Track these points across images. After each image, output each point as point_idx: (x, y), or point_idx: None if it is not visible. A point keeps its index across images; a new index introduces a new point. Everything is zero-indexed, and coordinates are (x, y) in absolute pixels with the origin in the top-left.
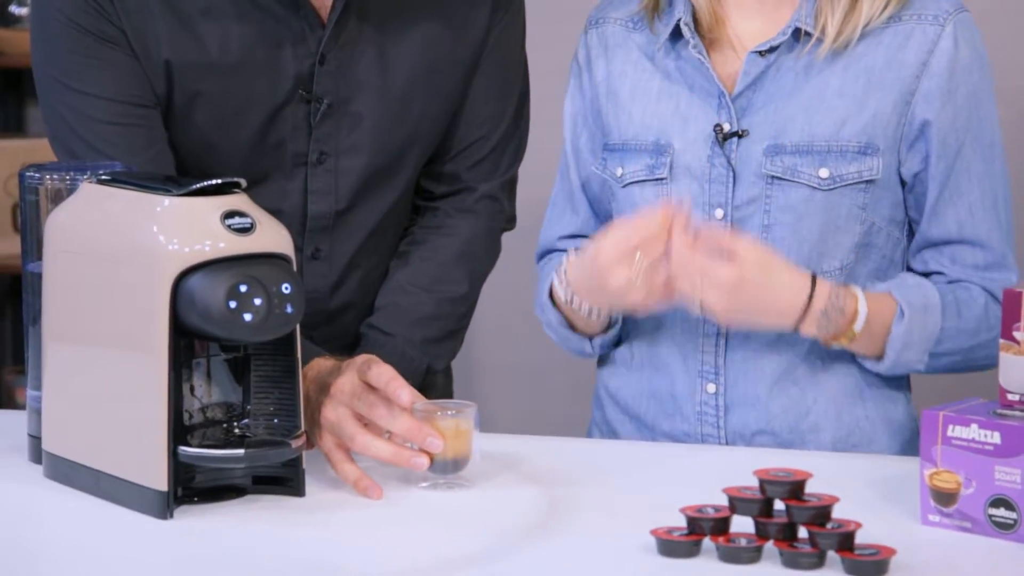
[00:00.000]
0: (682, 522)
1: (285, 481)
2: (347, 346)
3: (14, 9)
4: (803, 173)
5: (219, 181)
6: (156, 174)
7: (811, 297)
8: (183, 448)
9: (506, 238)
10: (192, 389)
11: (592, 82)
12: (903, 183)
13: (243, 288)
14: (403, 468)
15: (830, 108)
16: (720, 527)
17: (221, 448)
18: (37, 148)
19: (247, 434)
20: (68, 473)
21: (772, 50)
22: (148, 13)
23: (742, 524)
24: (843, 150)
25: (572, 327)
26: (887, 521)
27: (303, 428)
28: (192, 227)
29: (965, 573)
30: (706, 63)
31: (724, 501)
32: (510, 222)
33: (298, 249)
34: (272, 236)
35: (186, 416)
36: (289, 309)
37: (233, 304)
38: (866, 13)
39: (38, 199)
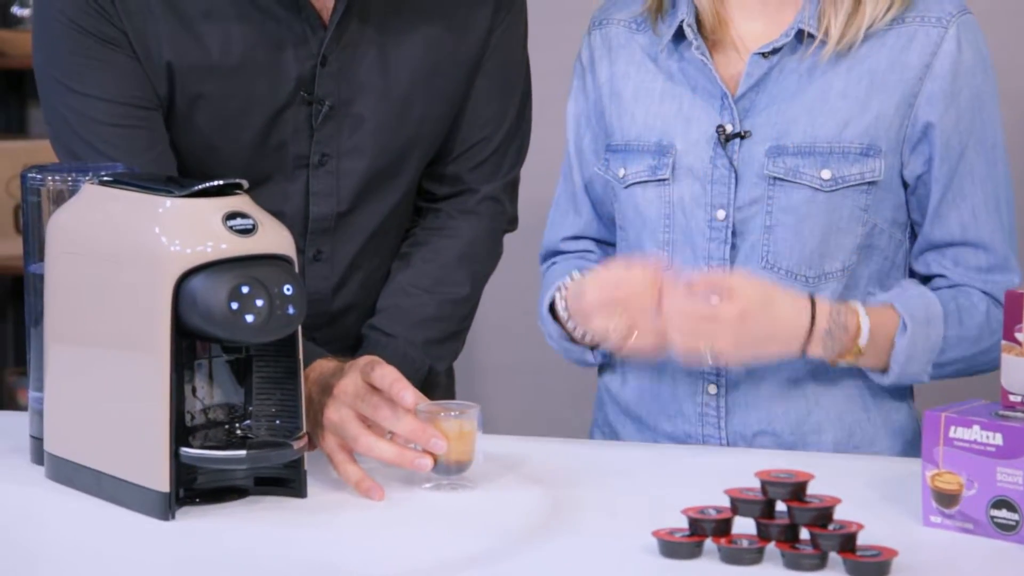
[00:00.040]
0: (684, 523)
1: (287, 482)
2: (349, 348)
3: (16, 10)
4: (805, 174)
5: (221, 182)
6: (158, 175)
7: (813, 318)
8: (185, 449)
9: (508, 239)
10: (194, 390)
11: (595, 83)
12: (906, 185)
13: (245, 289)
14: (406, 469)
15: (833, 109)
16: (722, 528)
17: (223, 449)
18: (39, 149)
19: (249, 435)
20: (70, 474)
21: (775, 51)
22: (149, 15)
23: (744, 525)
24: (845, 151)
25: (572, 340)
26: (889, 522)
27: (305, 429)
28: (194, 228)
29: (967, 574)
30: (709, 64)
31: (726, 502)
32: (512, 223)
33: (300, 251)
34: (274, 237)
35: (188, 417)
36: (291, 310)
37: (235, 305)
38: (869, 15)
39: (40, 200)
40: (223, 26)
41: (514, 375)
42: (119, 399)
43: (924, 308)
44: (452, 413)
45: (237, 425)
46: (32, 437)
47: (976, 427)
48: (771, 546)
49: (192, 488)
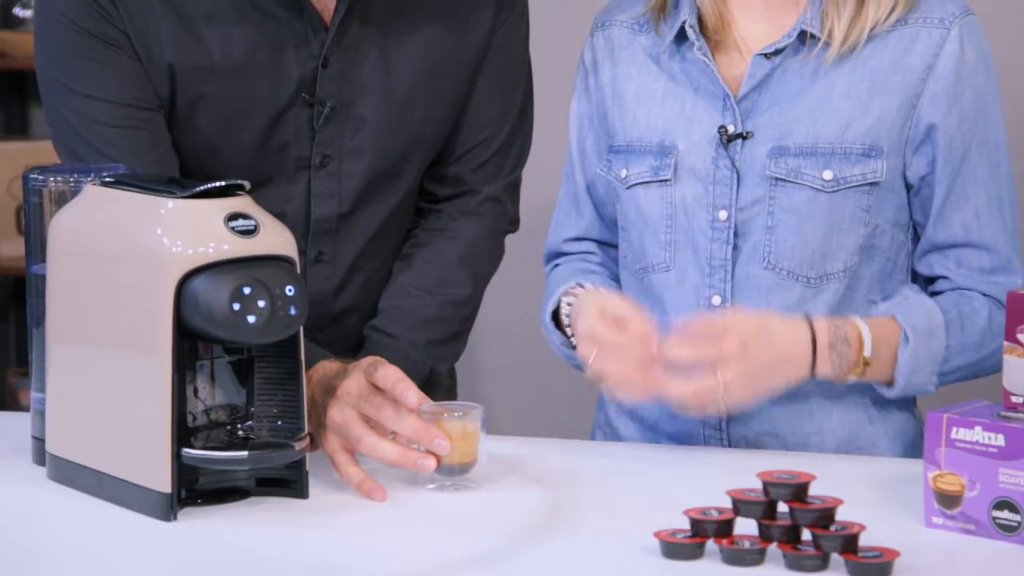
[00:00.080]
0: (685, 524)
1: (289, 483)
2: (350, 349)
3: (18, 11)
4: (807, 175)
5: (223, 183)
6: (160, 176)
7: (814, 337)
8: (187, 450)
9: (510, 240)
10: (196, 391)
11: (598, 85)
12: (908, 186)
13: (247, 290)
14: (409, 470)
15: (835, 110)
16: (723, 529)
17: (225, 450)
18: (41, 150)
19: (251, 436)
20: (72, 475)
21: (777, 52)
22: (151, 16)
23: (745, 526)
24: (847, 152)
25: (574, 347)
26: (891, 523)
27: (307, 430)
28: (196, 229)
29: (968, 575)
30: (711, 65)
31: (727, 503)
32: (513, 224)
33: (301, 252)
34: (276, 238)
35: (190, 418)
36: (292, 311)
37: (237, 306)
38: (872, 17)
39: (42, 201)
40: (224, 27)
41: (516, 376)
42: (121, 400)
43: (925, 318)
44: (456, 414)
45: (239, 426)
46: (34, 438)
47: (978, 428)
48: (773, 547)
49: (194, 489)
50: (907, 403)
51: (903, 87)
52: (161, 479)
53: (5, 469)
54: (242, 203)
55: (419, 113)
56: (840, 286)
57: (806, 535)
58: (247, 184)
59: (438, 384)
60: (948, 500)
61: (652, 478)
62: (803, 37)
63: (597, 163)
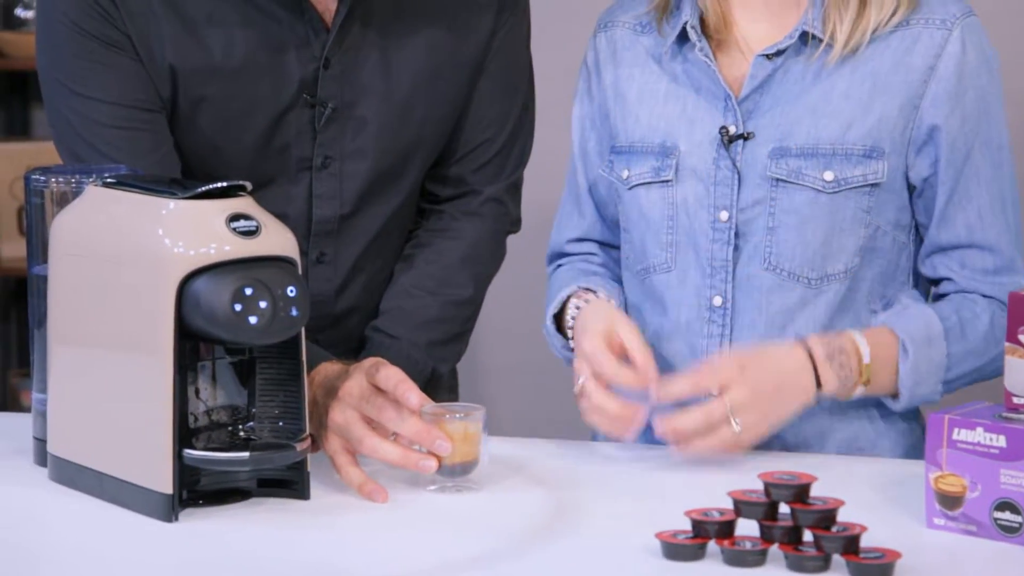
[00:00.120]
0: (687, 525)
1: (290, 484)
2: (352, 350)
3: (20, 12)
4: (808, 176)
5: (224, 184)
6: (161, 177)
7: (809, 352)
8: (188, 451)
9: (511, 241)
10: (197, 392)
11: (600, 86)
12: (912, 188)
13: (248, 291)
14: (411, 471)
15: (836, 111)
16: (725, 530)
17: (226, 451)
18: (42, 151)
19: (252, 437)
20: (73, 476)
21: (779, 53)
22: (152, 17)
23: (747, 527)
24: (848, 153)
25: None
26: (892, 524)
27: (308, 431)
28: (197, 230)
29: None
30: (712, 66)
31: (729, 504)
32: (515, 225)
33: (303, 253)
34: (277, 239)
35: (191, 419)
36: (294, 312)
37: (238, 307)
38: (874, 18)
39: (43, 202)
40: (225, 28)
41: (518, 376)
42: (122, 401)
43: (924, 328)
44: (457, 415)
45: (240, 427)
46: (35, 439)
47: (979, 429)
48: (774, 548)
49: (195, 490)
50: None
51: (904, 88)
52: (162, 480)
53: (6, 470)
54: (244, 204)
55: (420, 114)
56: (841, 287)
57: (807, 536)
58: (249, 185)
59: (441, 385)
60: (949, 501)
61: (653, 479)
62: (805, 38)
63: (599, 164)
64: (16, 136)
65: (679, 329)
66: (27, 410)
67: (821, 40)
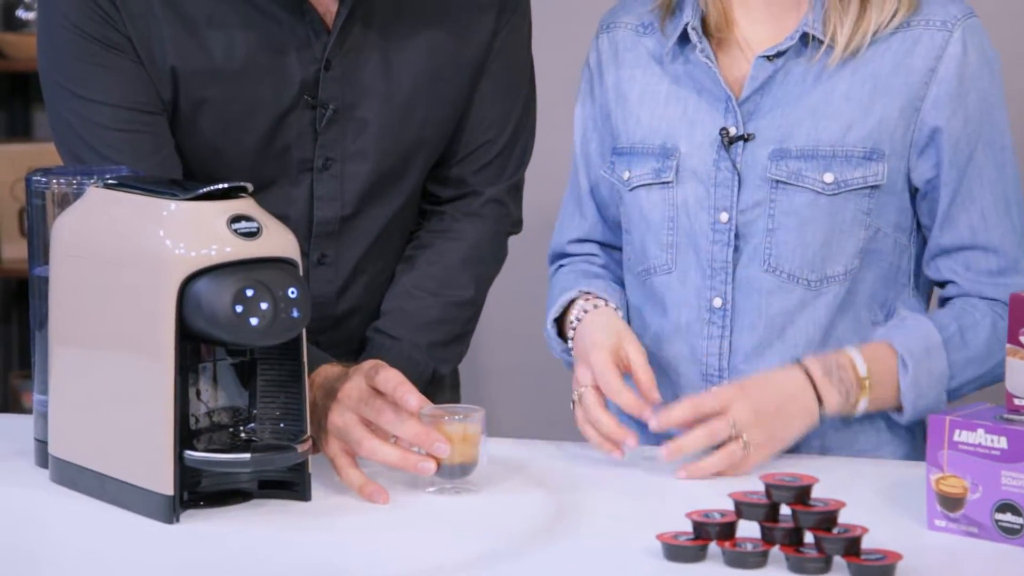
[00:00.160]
0: (688, 527)
1: (291, 485)
2: (353, 351)
3: (21, 14)
4: (808, 177)
5: (226, 185)
6: (162, 178)
7: (807, 371)
8: (189, 452)
9: (512, 242)
10: (198, 393)
11: (602, 87)
12: (914, 190)
13: (249, 292)
14: (410, 473)
15: (836, 112)
16: (726, 532)
17: (227, 452)
18: (44, 152)
19: (253, 438)
20: (74, 477)
21: (780, 55)
22: (153, 19)
23: (748, 529)
24: (848, 155)
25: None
26: (893, 526)
27: (309, 432)
28: (198, 231)
29: None
30: (713, 67)
31: (730, 506)
32: (516, 226)
33: (304, 255)
34: (279, 240)
35: (192, 420)
36: (295, 313)
37: (239, 308)
38: (875, 20)
39: (45, 203)
40: (226, 30)
41: (518, 378)
42: (123, 402)
43: (922, 340)
44: (456, 417)
45: (241, 428)
46: (36, 440)
47: (981, 431)
48: (775, 550)
49: (196, 491)
50: None
51: (905, 90)
52: (163, 481)
53: (8, 471)
54: (245, 205)
55: (421, 115)
56: (841, 289)
57: (808, 538)
58: (250, 186)
59: (442, 386)
60: (950, 503)
61: (654, 480)
62: (805, 39)
63: (600, 165)
64: (17, 137)
65: (679, 330)
66: (28, 411)
67: (822, 42)
